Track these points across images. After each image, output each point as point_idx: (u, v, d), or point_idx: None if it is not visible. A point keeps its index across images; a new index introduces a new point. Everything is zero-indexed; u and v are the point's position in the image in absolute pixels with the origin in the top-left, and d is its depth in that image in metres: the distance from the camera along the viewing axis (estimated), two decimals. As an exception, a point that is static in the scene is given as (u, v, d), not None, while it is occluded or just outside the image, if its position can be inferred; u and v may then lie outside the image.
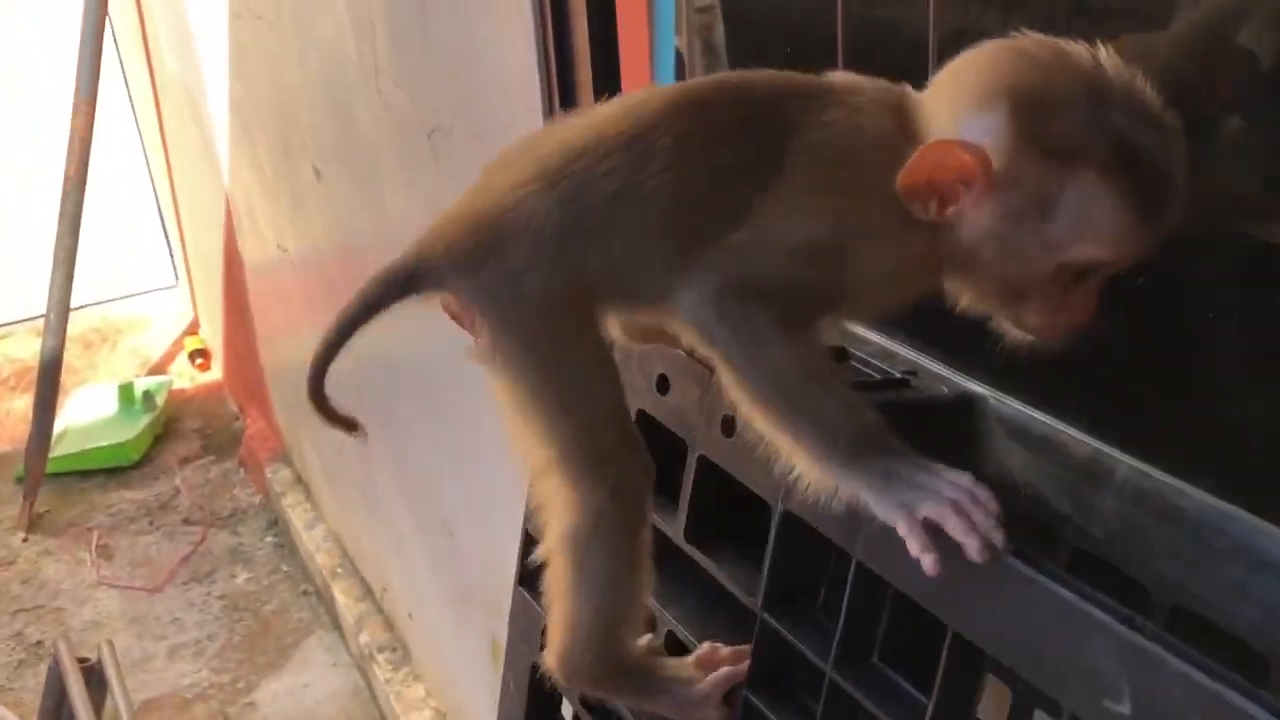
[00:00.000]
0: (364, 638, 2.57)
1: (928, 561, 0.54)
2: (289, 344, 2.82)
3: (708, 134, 0.65)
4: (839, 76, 0.68)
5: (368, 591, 2.67)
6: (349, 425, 0.73)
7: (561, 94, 1.23)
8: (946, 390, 0.74)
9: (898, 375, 0.75)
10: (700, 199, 0.64)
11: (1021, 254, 0.59)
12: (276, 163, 2.42)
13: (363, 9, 1.66)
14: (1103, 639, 0.48)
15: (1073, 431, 0.69)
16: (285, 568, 3.03)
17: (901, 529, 0.55)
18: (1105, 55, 0.58)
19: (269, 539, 3.15)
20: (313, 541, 2.89)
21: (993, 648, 0.53)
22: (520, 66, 1.25)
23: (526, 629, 0.94)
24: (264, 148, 2.48)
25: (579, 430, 0.66)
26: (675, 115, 0.65)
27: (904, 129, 0.61)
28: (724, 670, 0.69)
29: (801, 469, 0.60)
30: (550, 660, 0.72)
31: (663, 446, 0.73)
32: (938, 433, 0.74)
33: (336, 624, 2.77)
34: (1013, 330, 0.63)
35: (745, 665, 0.69)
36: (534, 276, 0.65)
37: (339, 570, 2.78)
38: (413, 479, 2.19)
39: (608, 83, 1.18)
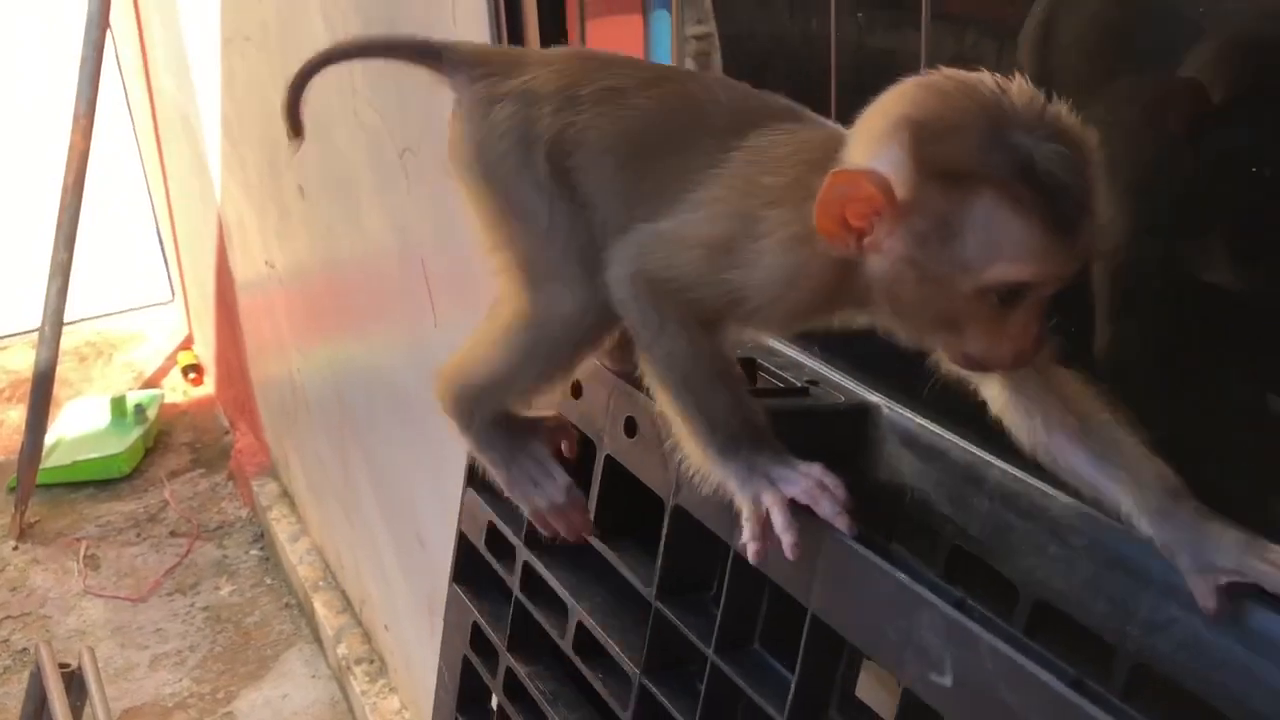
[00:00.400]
0: (342, 649, 2.61)
1: (752, 550, 0.59)
2: (276, 359, 2.87)
3: (667, 123, 0.70)
4: (810, 112, 0.71)
5: (348, 604, 2.71)
6: (296, 128, 0.80)
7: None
8: (843, 399, 0.79)
9: (799, 384, 0.79)
10: (650, 173, 0.69)
11: (939, 280, 0.59)
12: (264, 181, 2.48)
13: (340, 33, 1.72)
14: (930, 616, 0.53)
15: (954, 438, 0.74)
16: (269, 580, 3.07)
17: (744, 515, 0.60)
18: (1015, 82, 0.59)
19: (254, 552, 3.19)
20: (296, 554, 2.93)
21: (841, 627, 0.58)
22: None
23: (459, 623, 0.98)
24: (252, 166, 2.54)
25: (529, 246, 0.73)
26: (665, 90, 0.72)
27: (832, 163, 0.63)
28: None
29: (686, 450, 0.64)
30: (443, 384, 0.78)
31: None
32: (833, 439, 0.79)
33: (316, 636, 2.81)
34: (959, 365, 0.63)
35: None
36: (522, 115, 0.73)
37: (321, 584, 2.82)
38: (389, 492, 2.24)
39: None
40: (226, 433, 3.62)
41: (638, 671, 0.73)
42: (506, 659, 0.89)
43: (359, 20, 1.68)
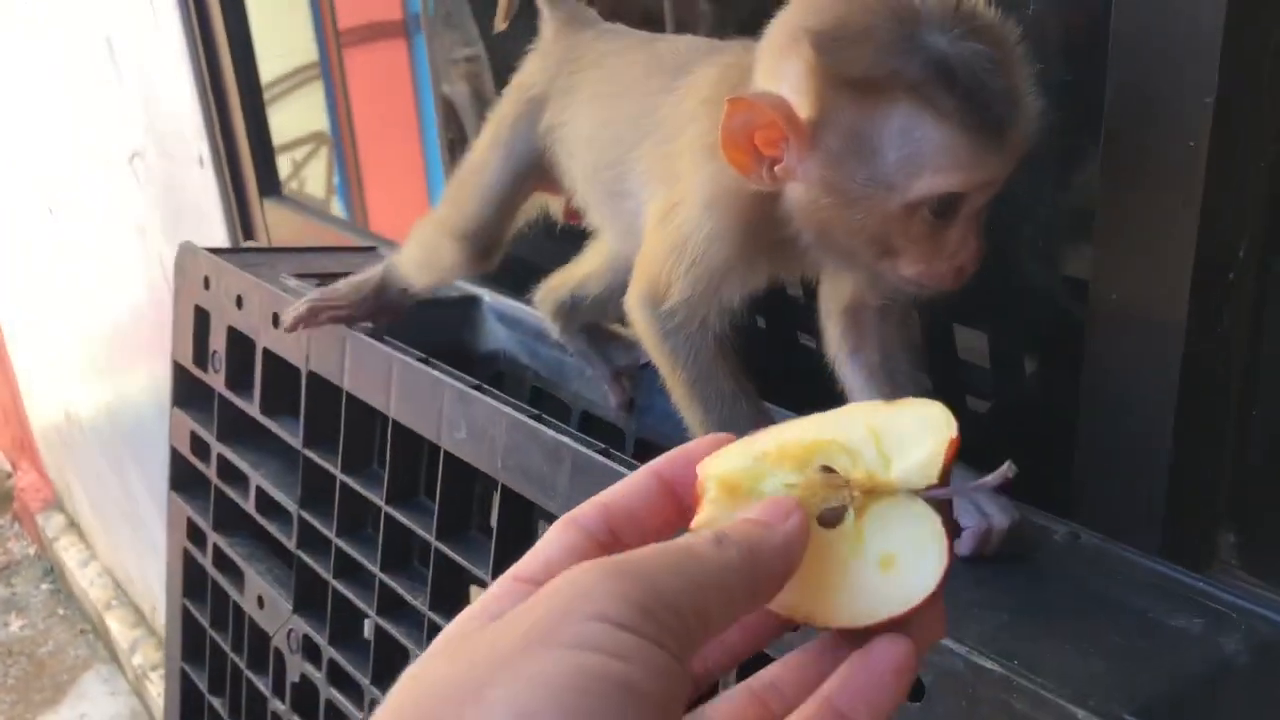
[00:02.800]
0: (137, 659, 2.68)
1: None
2: (49, 392, 2.92)
3: (629, 74, 0.71)
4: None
5: (140, 616, 2.79)
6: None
7: (222, 123, 1.50)
8: (456, 294, 1.02)
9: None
10: (610, 123, 0.71)
11: (863, 202, 0.54)
12: (15, 207, 2.56)
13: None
14: (451, 394, 0.76)
15: (528, 309, 0.97)
16: (61, 611, 3.10)
17: None
18: None
19: (44, 586, 3.20)
20: (86, 579, 2.98)
21: (410, 423, 0.81)
22: (187, 102, 1.51)
23: (177, 522, 1.16)
24: (3, 193, 2.61)
25: (478, 200, 0.80)
26: (643, 51, 0.72)
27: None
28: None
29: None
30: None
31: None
32: (449, 322, 1.02)
33: (113, 655, 2.86)
34: (902, 288, 0.58)
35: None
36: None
37: (113, 602, 2.87)
38: (164, 497, 2.35)
39: (255, 118, 1.46)
40: (9, 475, 3.60)
41: (296, 506, 0.95)
42: (213, 537, 1.08)
43: None
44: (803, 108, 0.53)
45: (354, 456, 0.89)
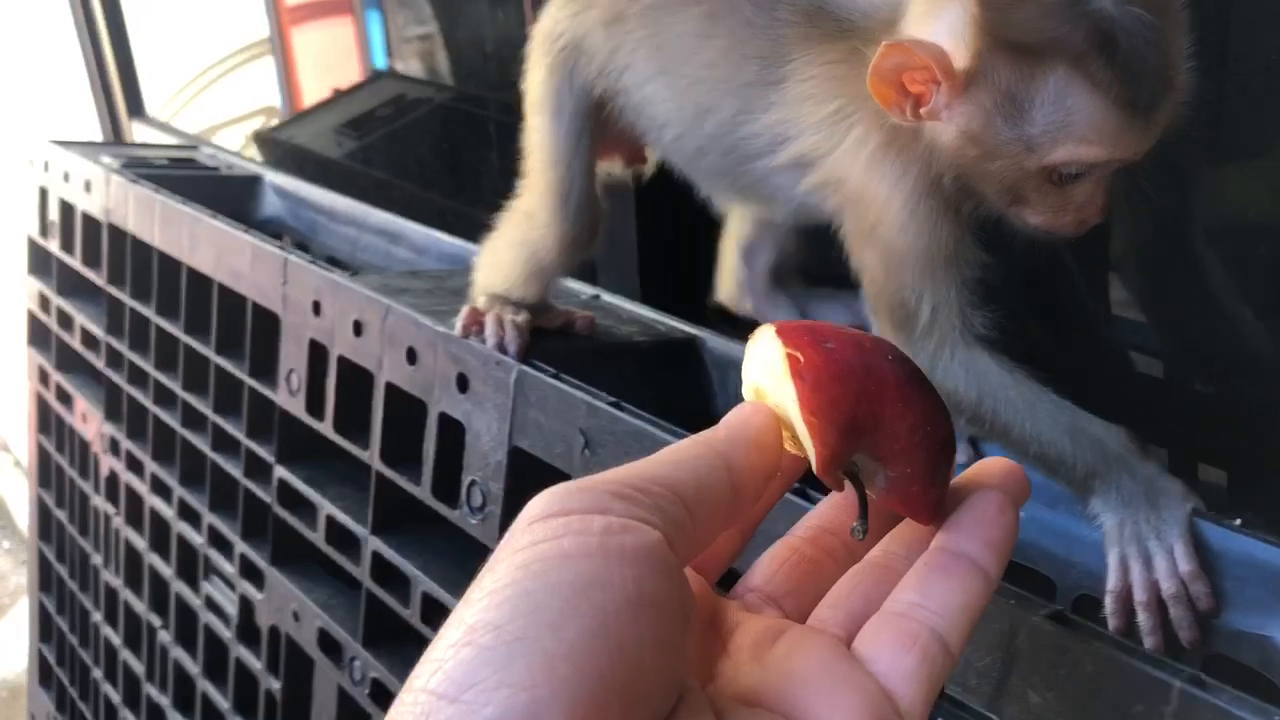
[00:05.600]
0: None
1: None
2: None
3: (706, 48, 0.66)
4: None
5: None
6: None
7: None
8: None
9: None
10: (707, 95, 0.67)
11: (1003, 156, 0.55)
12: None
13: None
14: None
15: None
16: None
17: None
18: None
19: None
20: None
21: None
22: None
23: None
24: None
25: (550, 174, 0.74)
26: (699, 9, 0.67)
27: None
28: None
29: None
30: None
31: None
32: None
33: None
34: (1024, 228, 0.59)
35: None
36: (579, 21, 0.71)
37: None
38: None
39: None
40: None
41: (108, 435, 1.19)
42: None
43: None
44: (959, 58, 0.53)
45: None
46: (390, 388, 0.84)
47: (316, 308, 0.91)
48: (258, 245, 0.98)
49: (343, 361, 0.89)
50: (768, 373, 0.35)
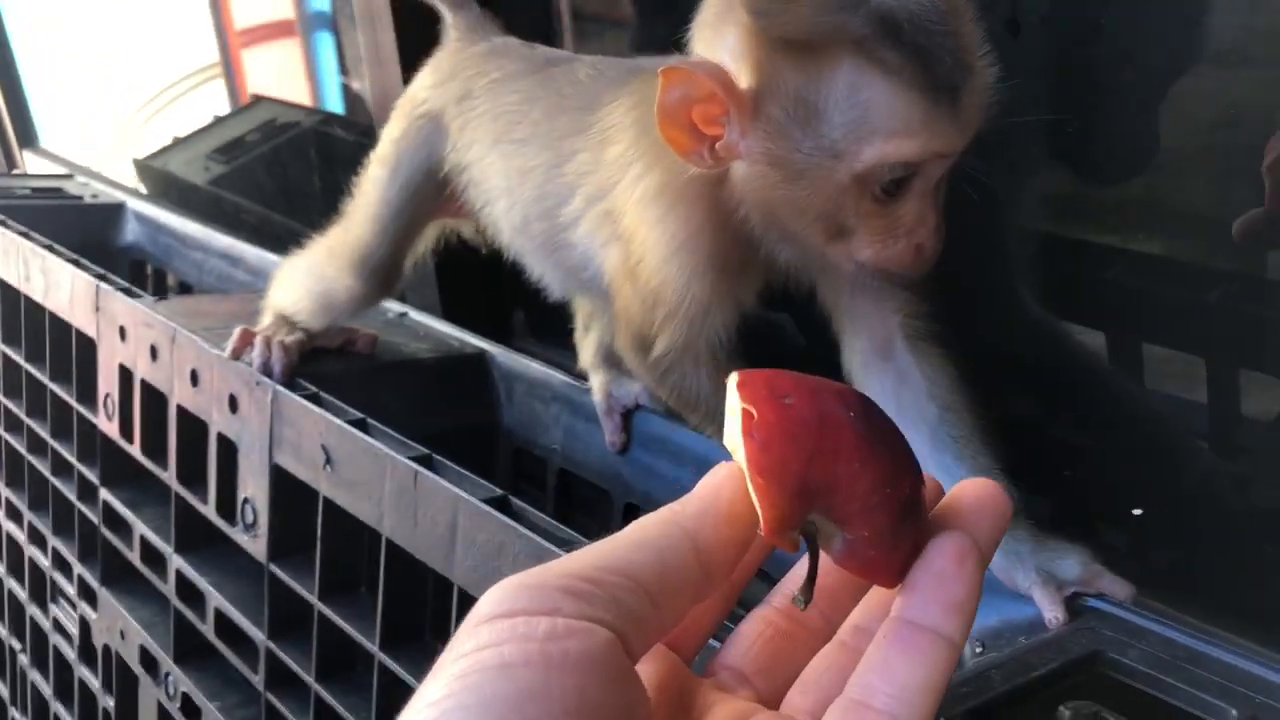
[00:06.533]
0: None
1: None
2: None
3: (532, 112, 0.68)
4: None
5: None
6: None
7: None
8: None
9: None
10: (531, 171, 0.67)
11: (810, 172, 0.50)
12: None
13: None
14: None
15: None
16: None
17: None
18: None
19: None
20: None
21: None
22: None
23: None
24: None
25: (364, 228, 0.77)
26: (536, 78, 0.69)
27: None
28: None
29: None
30: None
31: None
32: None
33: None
34: (863, 274, 0.54)
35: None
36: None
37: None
38: None
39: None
40: None
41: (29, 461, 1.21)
42: None
43: None
44: (742, 76, 0.50)
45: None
46: (180, 410, 0.86)
47: (123, 333, 0.93)
48: (75, 272, 1.01)
49: (145, 385, 0.91)
50: (730, 425, 0.33)
